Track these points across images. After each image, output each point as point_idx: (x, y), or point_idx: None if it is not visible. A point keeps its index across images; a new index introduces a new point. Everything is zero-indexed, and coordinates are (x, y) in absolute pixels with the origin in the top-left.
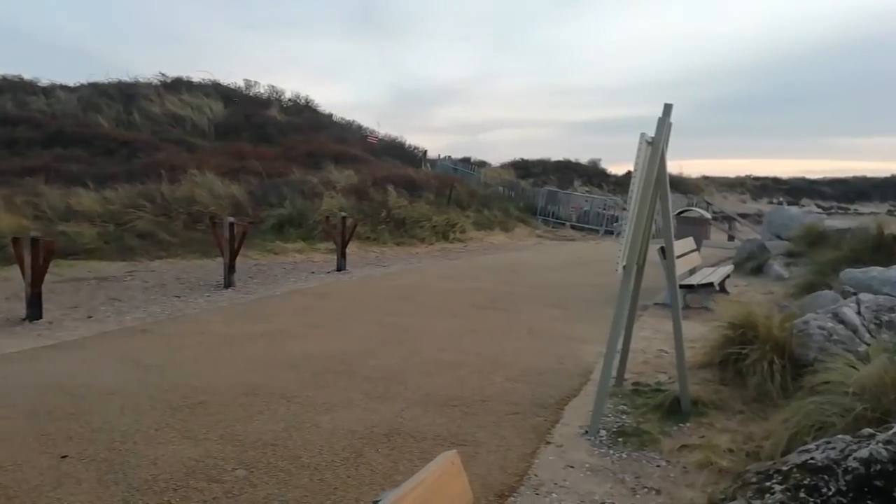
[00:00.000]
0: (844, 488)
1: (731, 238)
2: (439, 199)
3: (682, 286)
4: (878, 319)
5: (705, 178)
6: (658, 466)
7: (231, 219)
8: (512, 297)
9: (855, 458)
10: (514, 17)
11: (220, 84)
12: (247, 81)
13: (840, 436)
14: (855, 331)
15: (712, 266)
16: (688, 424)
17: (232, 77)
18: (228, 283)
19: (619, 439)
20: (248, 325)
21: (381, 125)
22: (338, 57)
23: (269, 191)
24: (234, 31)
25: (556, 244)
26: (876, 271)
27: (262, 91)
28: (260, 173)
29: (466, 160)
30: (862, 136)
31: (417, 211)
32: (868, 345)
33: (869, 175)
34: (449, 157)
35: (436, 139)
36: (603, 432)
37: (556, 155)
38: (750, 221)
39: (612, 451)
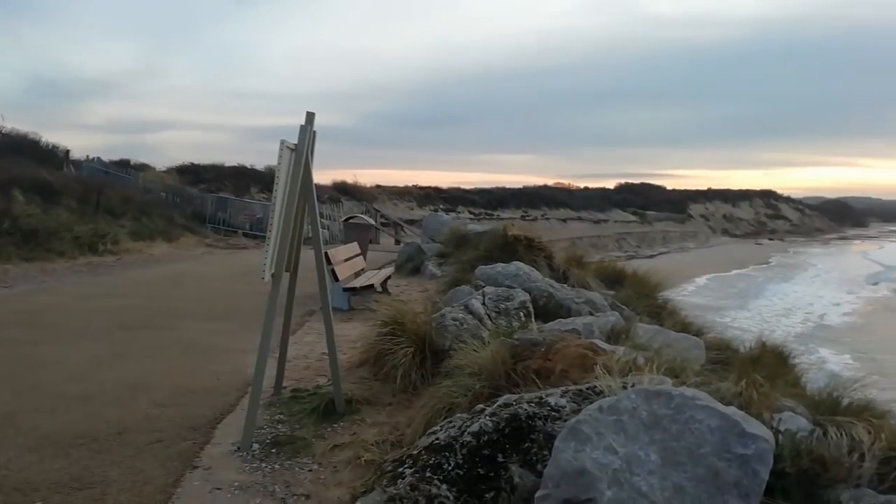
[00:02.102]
0: (461, 461)
1: (398, 242)
2: (84, 206)
3: (346, 289)
4: (498, 308)
5: (378, 186)
6: (310, 471)
7: None
8: (169, 313)
9: (469, 433)
10: (185, 9)
11: None
12: None
13: (459, 414)
14: (480, 319)
15: (377, 269)
16: (341, 424)
17: None
18: None
19: (273, 450)
20: None
21: (6, 118)
22: None
23: None
24: None
25: (227, 254)
26: (500, 267)
27: None
28: None
29: (125, 163)
30: (503, 154)
31: (55, 220)
32: (490, 330)
33: (508, 186)
34: (98, 158)
35: (89, 138)
36: (256, 446)
37: (232, 161)
38: (416, 227)
39: (264, 465)
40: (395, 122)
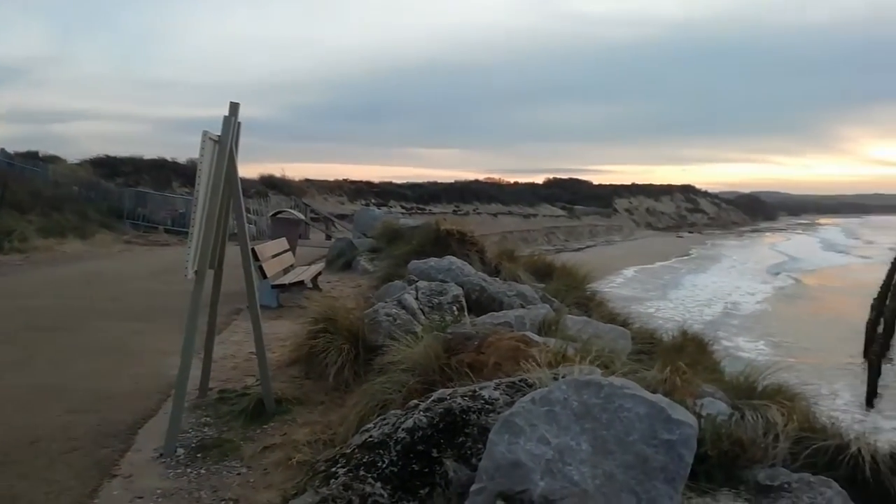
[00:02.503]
0: (395, 458)
1: (328, 237)
2: None
3: (274, 286)
4: (431, 303)
5: (308, 180)
6: (238, 475)
7: None
8: (84, 314)
9: (403, 429)
10: None
11: None
12: None
13: (393, 411)
14: (414, 314)
15: (307, 265)
16: (272, 425)
17: None
18: None
19: (199, 455)
20: None
21: None
22: None
23: None
24: None
25: (147, 251)
26: (433, 261)
27: None
28: None
29: (33, 154)
30: (434, 148)
31: None
32: (423, 325)
33: (439, 180)
34: (3, 150)
35: None
36: (180, 451)
37: (151, 153)
38: (347, 222)
39: (189, 470)
40: (325, 114)
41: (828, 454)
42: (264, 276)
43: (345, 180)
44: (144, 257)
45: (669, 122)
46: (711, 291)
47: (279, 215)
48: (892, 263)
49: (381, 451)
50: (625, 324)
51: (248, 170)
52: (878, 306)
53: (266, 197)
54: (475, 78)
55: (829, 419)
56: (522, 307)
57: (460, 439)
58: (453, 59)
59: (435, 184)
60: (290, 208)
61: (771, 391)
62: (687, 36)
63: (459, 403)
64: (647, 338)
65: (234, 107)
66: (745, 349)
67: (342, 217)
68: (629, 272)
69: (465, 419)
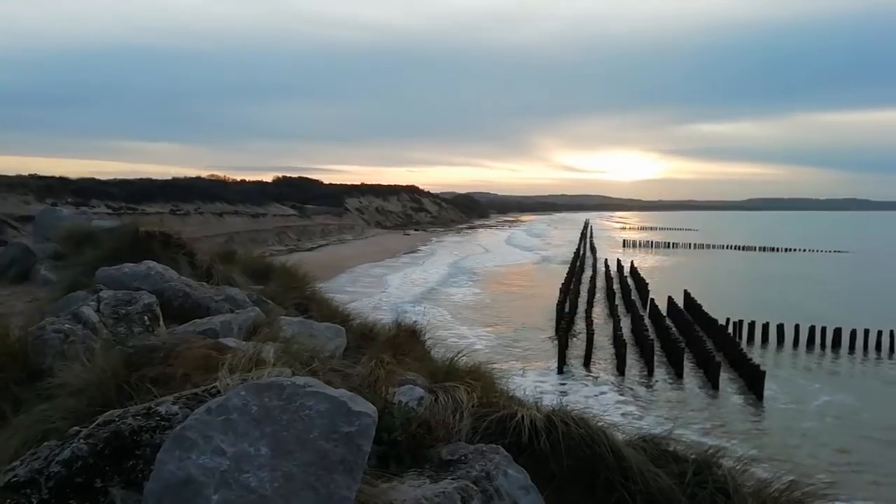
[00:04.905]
0: (47, 496)
1: (4, 243)
2: None
3: None
4: (118, 314)
5: None
6: None
7: None
8: None
9: (57, 462)
10: None
11: None
12: None
13: (47, 443)
14: (94, 329)
15: None
16: None
17: None
18: None
19: None
20: None
21: None
22: None
23: None
24: None
25: None
26: (128, 267)
27: None
28: None
29: None
30: (148, 141)
31: None
32: (105, 340)
33: (154, 177)
34: None
35: None
36: None
37: None
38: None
39: None
40: (6, 97)
41: (502, 424)
42: None
43: (30, 176)
44: None
45: (395, 125)
46: (430, 283)
47: None
48: (575, 254)
49: (28, 490)
50: (345, 321)
51: None
52: (565, 290)
53: None
54: (200, 69)
55: (509, 391)
56: (232, 311)
57: (130, 463)
58: (177, 47)
59: (150, 181)
60: None
61: (463, 371)
62: (405, 45)
63: (130, 424)
64: (366, 333)
65: None
66: (457, 334)
67: (27, 219)
68: (359, 269)
69: (136, 440)
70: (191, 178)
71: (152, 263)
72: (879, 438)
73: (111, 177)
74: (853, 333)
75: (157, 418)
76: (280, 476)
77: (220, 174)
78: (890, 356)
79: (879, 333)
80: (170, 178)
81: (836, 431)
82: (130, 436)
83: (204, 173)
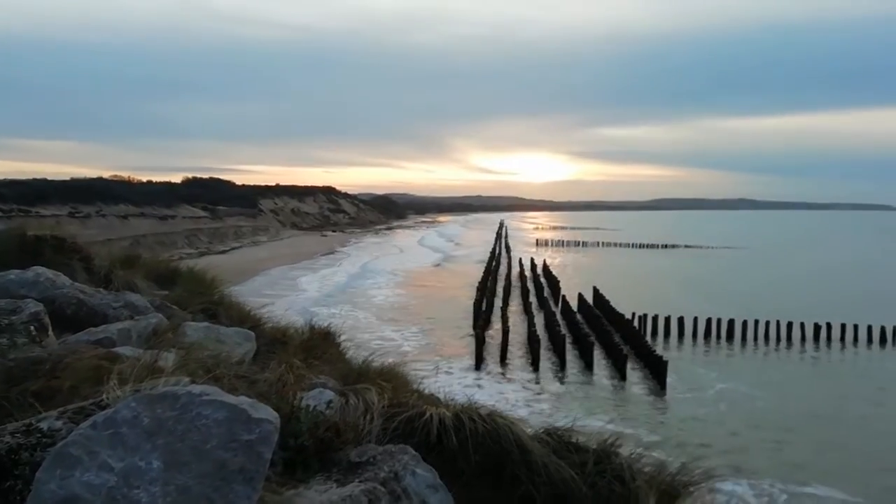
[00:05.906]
0: None
1: None
2: None
3: None
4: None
5: None
6: None
7: None
8: None
9: None
10: None
11: None
12: None
13: None
14: None
15: None
16: None
17: None
18: None
19: None
20: None
21: None
22: None
23: None
24: None
25: None
26: (14, 274)
27: None
28: None
29: None
30: (43, 139)
31: None
32: None
33: (50, 178)
34: None
35: None
36: None
37: None
38: None
39: None
40: None
41: (411, 423)
42: None
43: None
44: None
45: (310, 125)
46: (348, 284)
47: None
48: (491, 254)
49: None
50: (256, 325)
51: None
52: (482, 289)
53: None
54: (101, 62)
55: (421, 390)
56: (132, 318)
57: (8, 484)
58: (74, 38)
59: (45, 181)
60: None
61: (377, 373)
62: (316, 45)
63: (8, 442)
64: (279, 337)
65: None
66: (376, 336)
67: None
68: (275, 271)
69: (14, 459)
70: (91, 179)
71: (41, 269)
72: (770, 423)
73: (1, 177)
74: (745, 324)
75: (39, 435)
76: (173, 490)
77: (124, 174)
78: (778, 345)
79: (767, 324)
80: (68, 178)
81: (730, 417)
82: (7, 455)
83: (106, 173)
